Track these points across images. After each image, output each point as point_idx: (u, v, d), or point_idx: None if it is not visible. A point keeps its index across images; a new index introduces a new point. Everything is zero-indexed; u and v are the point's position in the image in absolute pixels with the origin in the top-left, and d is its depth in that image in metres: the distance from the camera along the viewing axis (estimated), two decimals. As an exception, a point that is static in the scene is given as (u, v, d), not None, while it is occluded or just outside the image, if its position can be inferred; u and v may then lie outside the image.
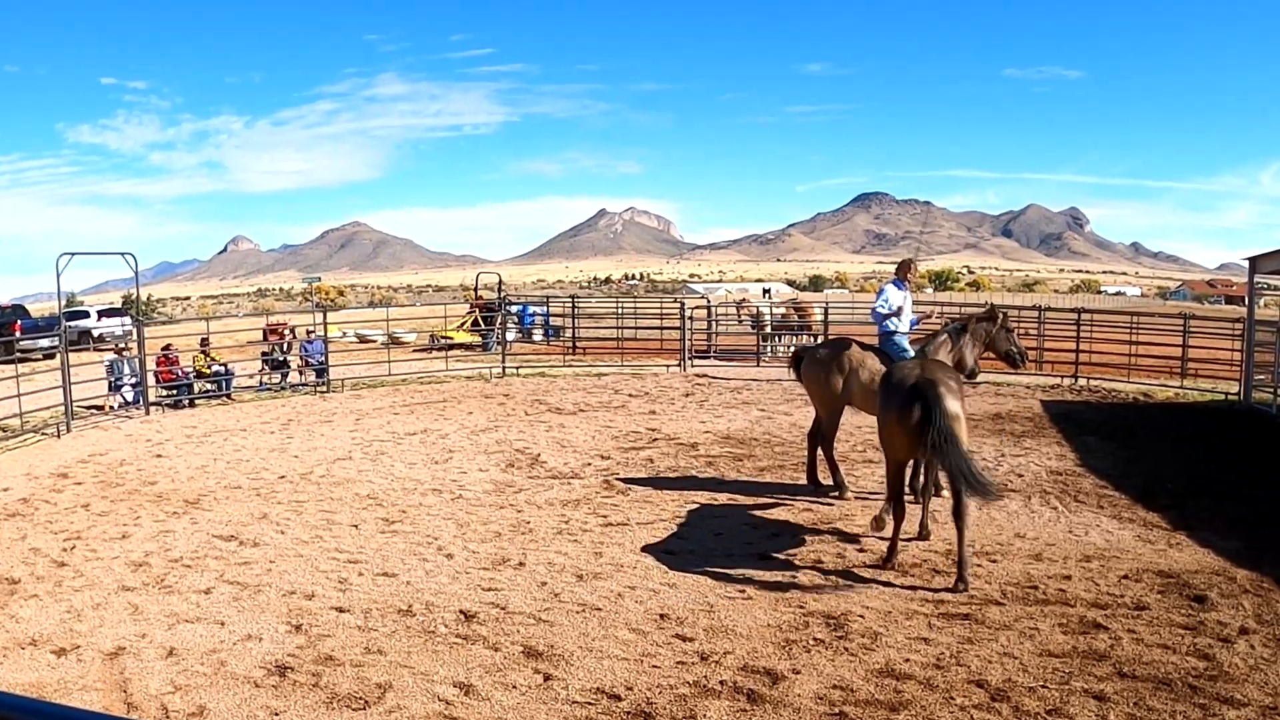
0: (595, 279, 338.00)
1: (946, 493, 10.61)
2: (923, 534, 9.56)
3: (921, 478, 10.33)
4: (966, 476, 7.89)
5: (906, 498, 10.55)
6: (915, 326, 11.77)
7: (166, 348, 20.39)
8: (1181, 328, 22.49)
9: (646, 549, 9.27)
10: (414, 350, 30.86)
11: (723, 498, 11.31)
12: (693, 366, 24.91)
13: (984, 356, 11.06)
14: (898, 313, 11.32)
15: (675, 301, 30.09)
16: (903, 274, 11.68)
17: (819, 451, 11.70)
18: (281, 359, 23.63)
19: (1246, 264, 19.54)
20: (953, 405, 8.24)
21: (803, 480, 12.01)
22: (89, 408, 18.69)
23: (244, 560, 9.08)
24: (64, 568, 8.87)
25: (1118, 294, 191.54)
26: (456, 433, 15.84)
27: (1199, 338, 23.36)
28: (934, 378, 8.47)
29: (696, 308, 28.53)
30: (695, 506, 10.90)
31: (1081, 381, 21.67)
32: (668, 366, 25.02)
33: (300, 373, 22.92)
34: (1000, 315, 11.07)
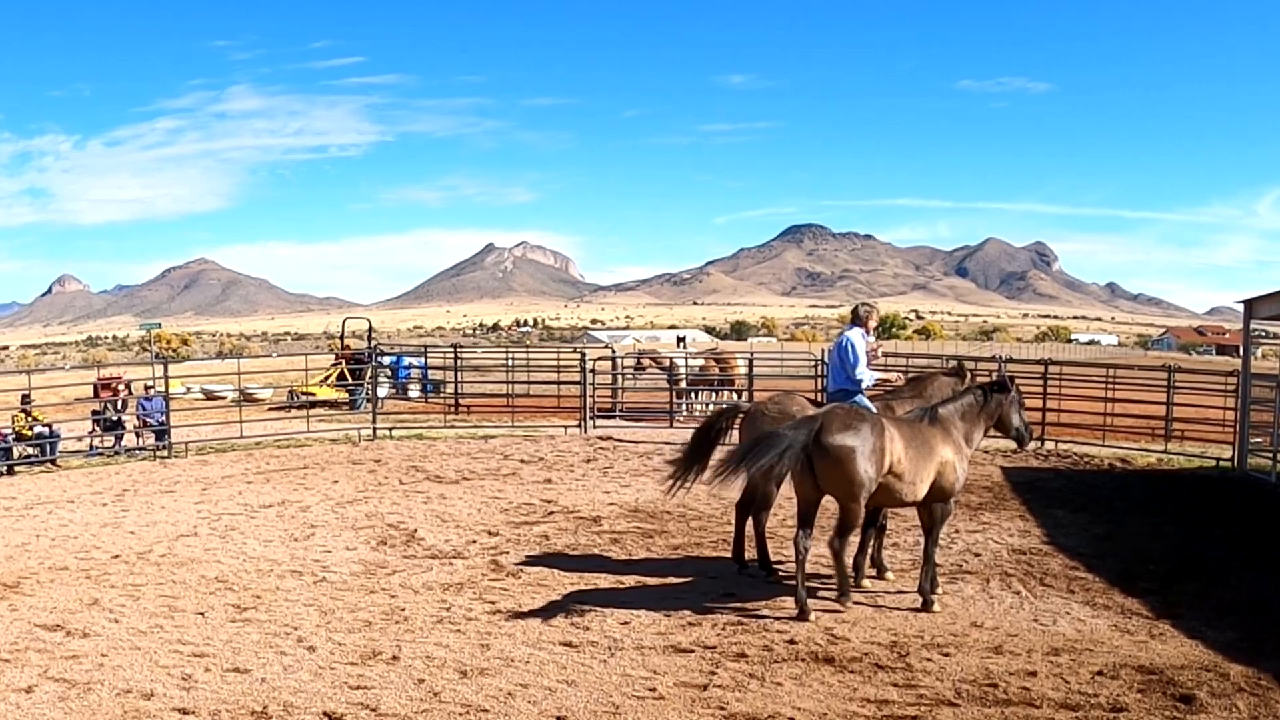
0: (481, 325, 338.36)
1: (891, 575, 10.86)
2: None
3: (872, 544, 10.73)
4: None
5: (870, 572, 10.87)
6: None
7: (-22, 405, 20.00)
8: (1166, 383, 22.87)
9: (541, 640, 9.25)
10: (270, 408, 30.51)
11: (630, 580, 11.35)
12: (595, 428, 25.04)
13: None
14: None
15: (575, 352, 30.11)
16: (867, 324, 11.88)
17: (749, 526, 11.79)
18: (115, 419, 23.23)
19: (1241, 308, 19.91)
20: (839, 439, 9.28)
21: (725, 558, 12.10)
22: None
23: (72, 653, 8.91)
24: None
25: (1091, 343, 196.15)
26: (319, 505, 15.71)
27: (1186, 394, 23.57)
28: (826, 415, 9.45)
29: (600, 359, 28.63)
30: (598, 591, 10.92)
31: (1049, 445, 22.09)
32: (566, 428, 25.09)
33: (137, 435, 22.61)
34: (967, 370, 11.38)
